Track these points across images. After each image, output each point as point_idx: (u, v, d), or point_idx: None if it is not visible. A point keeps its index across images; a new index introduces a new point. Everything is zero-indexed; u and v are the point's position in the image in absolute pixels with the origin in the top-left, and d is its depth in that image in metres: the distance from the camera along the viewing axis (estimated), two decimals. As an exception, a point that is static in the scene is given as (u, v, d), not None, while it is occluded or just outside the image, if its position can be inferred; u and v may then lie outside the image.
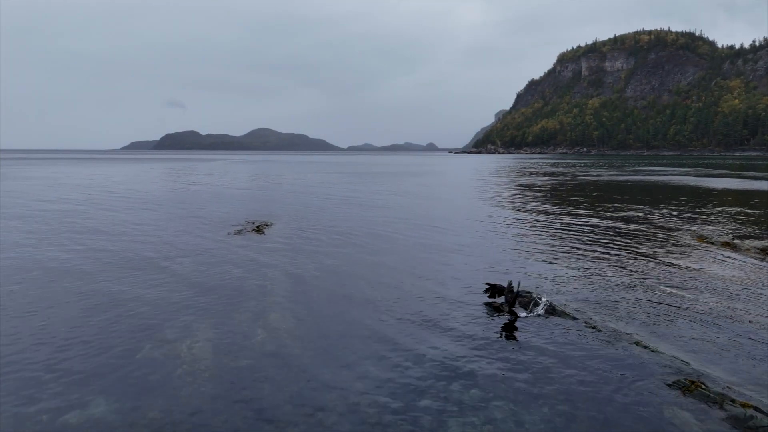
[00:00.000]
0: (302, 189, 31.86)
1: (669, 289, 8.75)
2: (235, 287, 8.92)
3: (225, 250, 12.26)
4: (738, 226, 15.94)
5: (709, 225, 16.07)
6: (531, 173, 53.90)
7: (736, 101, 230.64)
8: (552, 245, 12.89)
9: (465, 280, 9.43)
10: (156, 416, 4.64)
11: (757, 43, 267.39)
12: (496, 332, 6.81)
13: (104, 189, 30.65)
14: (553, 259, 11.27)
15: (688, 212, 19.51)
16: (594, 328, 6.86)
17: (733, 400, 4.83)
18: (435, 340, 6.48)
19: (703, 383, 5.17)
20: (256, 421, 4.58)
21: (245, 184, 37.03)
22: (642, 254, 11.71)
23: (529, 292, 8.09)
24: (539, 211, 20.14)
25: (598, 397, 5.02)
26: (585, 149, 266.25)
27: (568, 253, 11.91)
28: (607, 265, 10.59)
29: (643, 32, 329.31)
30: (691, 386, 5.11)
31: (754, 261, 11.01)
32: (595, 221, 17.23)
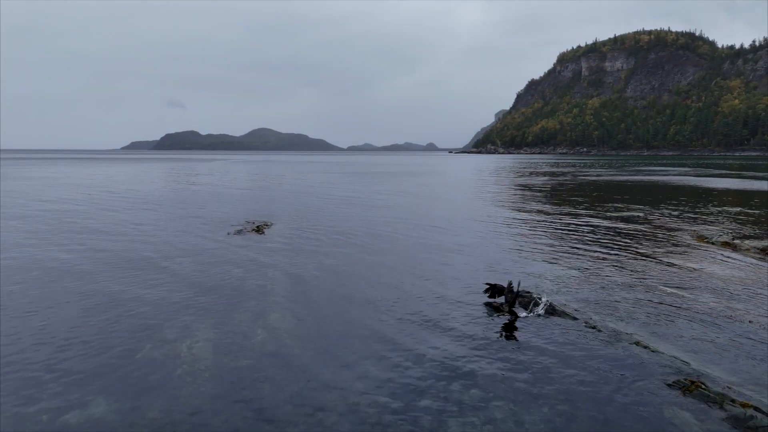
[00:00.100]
0: (302, 189, 31.87)
1: (669, 289, 8.75)
2: (235, 287, 8.93)
3: (225, 250, 12.26)
4: (738, 226, 15.95)
5: (709, 225, 16.07)
6: (531, 173, 53.91)
7: (736, 101, 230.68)
8: (552, 245, 12.89)
9: (465, 280, 9.44)
10: (156, 416, 4.64)
11: (757, 43, 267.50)
12: (496, 332, 6.82)
13: (104, 189, 30.65)
14: (553, 259, 11.27)
15: (688, 212, 19.51)
16: (594, 328, 6.86)
17: (733, 400, 4.83)
18: (435, 340, 6.48)
19: (703, 383, 5.17)
20: (256, 421, 4.58)
21: (245, 184, 37.04)
22: (642, 254, 11.71)
23: (529, 292, 8.09)
24: (539, 211, 20.14)
25: (598, 397, 5.02)
26: (585, 149, 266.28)
27: (568, 253, 11.91)
28: (607, 265, 10.60)
29: (643, 32, 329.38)
30: (691, 386, 5.11)
31: (754, 261, 11.01)
32: (595, 221, 17.23)
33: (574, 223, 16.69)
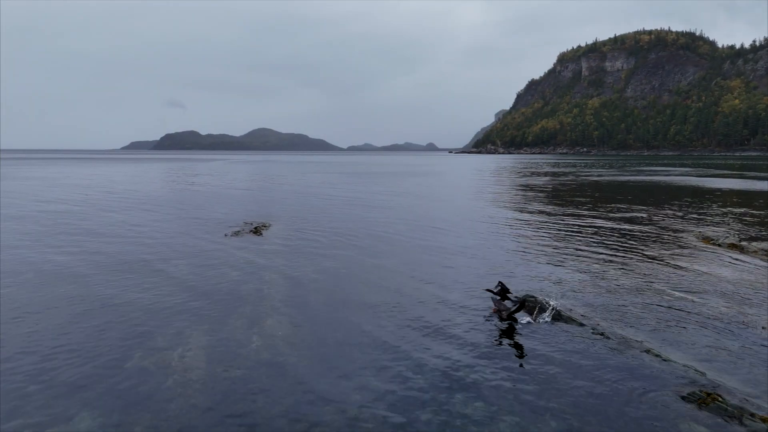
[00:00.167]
0: (301, 189, 31.61)
1: (677, 293, 8.50)
2: (231, 291, 8.68)
3: (222, 252, 12.01)
4: (743, 227, 15.69)
5: (714, 226, 15.81)
6: (532, 173, 53.65)
7: (737, 101, 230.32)
8: (555, 247, 12.64)
9: (467, 283, 9.18)
10: (143, 432, 4.39)
11: (757, 43, 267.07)
12: (501, 339, 6.56)
13: (103, 189, 30.41)
14: (557, 261, 11.01)
15: (692, 213, 19.25)
16: (602, 334, 6.61)
17: (752, 414, 4.59)
18: (437, 348, 6.23)
19: (719, 395, 4.92)
20: (249, 436, 4.33)
21: (244, 184, 36.78)
22: (648, 256, 11.45)
23: (534, 297, 7.84)
24: (541, 212, 19.89)
25: (608, 411, 4.77)
26: (585, 149, 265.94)
27: (572, 255, 11.66)
28: (612, 268, 10.34)
29: (644, 32, 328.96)
30: (707, 398, 4.86)
31: (762, 264, 10.75)
32: (599, 222, 16.97)
33: (577, 225, 16.44)
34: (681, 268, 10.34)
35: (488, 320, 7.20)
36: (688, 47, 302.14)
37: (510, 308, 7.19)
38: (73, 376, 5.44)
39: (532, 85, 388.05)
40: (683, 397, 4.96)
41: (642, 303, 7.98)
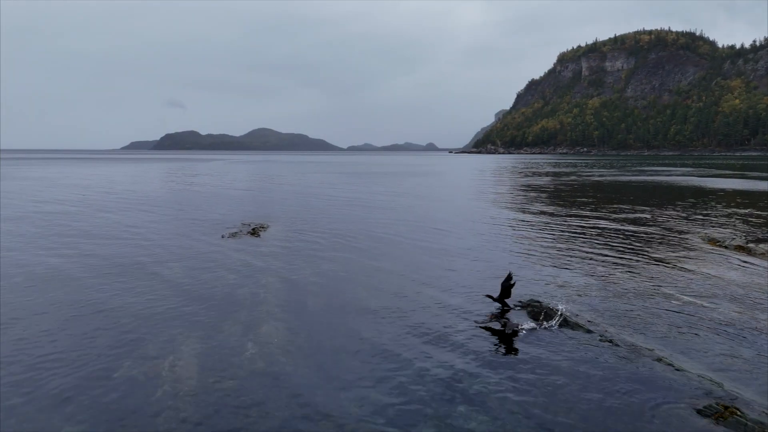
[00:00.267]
0: (301, 189, 31.35)
1: (686, 298, 8.25)
2: (226, 295, 8.42)
3: (218, 253, 11.76)
4: (749, 228, 15.44)
5: (719, 227, 15.55)
6: (533, 173, 53.38)
7: (737, 101, 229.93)
8: (559, 249, 12.38)
9: (470, 287, 8.93)
10: (128, 449, 4.14)
11: (757, 43, 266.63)
12: (505, 347, 6.31)
13: (101, 190, 30.16)
14: (562, 264, 10.76)
15: (696, 214, 18.99)
16: (611, 342, 6.35)
17: (774, 430, 4.33)
18: (439, 356, 5.97)
19: (737, 409, 4.67)
20: (241, 454, 4.08)
21: (243, 184, 36.52)
22: (654, 259, 11.19)
23: (539, 302, 7.59)
24: (544, 213, 19.63)
25: (620, 426, 4.52)
26: (585, 149, 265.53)
27: (577, 257, 11.40)
28: (618, 271, 10.08)
29: (644, 32, 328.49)
30: (724, 412, 4.61)
31: (771, 266, 10.49)
32: (602, 223, 16.71)
33: (580, 226, 16.18)
34: (688, 270, 10.08)
35: (488, 326, 6.94)
36: (688, 47, 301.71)
37: (513, 322, 6.92)
38: (58, 387, 5.19)
39: (532, 85, 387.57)
40: (699, 411, 4.71)
41: (650, 308, 7.72)
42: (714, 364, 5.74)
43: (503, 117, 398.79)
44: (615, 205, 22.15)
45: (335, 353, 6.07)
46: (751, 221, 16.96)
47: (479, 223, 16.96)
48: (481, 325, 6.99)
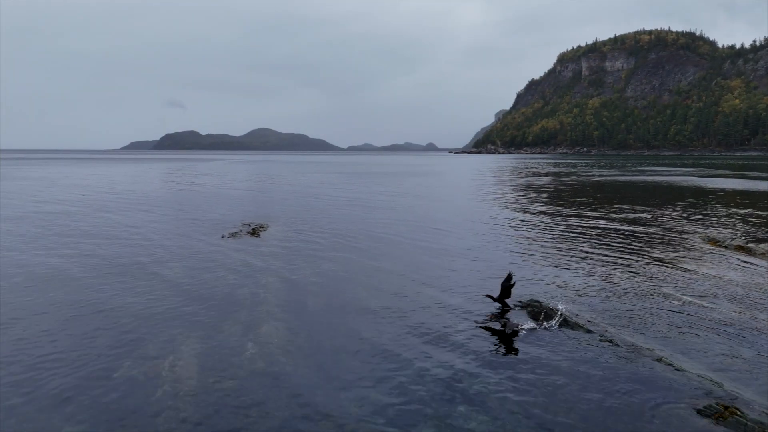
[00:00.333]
0: (301, 189, 31.36)
1: (686, 298, 8.25)
2: (226, 295, 8.42)
3: (218, 254, 11.76)
4: (749, 228, 15.44)
5: (719, 227, 15.56)
6: (533, 173, 53.39)
7: (737, 101, 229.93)
8: (559, 249, 12.38)
9: (470, 287, 8.93)
10: (128, 449, 4.14)
11: (757, 43, 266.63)
12: (505, 347, 6.31)
13: (101, 190, 30.16)
14: (562, 264, 10.76)
15: (697, 214, 18.99)
16: (611, 342, 6.35)
17: (774, 430, 4.33)
18: (439, 356, 5.97)
19: (737, 409, 4.67)
20: (241, 454, 4.08)
21: (243, 184, 36.53)
22: (654, 259, 11.20)
23: (539, 302, 7.59)
24: (543, 213, 19.63)
25: (620, 426, 4.51)
26: (585, 149, 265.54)
27: (577, 257, 11.41)
28: (618, 271, 10.08)
29: (644, 32, 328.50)
30: (724, 412, 4.61)
31: (771, 266, 10.49)
32: (603, 223, 16.72)
33: (580, 226, 16.18)
34: (688, 270, 10.08)
35: (489, 326, 6.95)
36: (688, 47, 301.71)
37: (513, 322, 6.91)
38: (58, 387, 5.19)
39: (532, 85, 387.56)
40: (699, 411, 4.71)
41: (650, 308, 7.72)
42: (714, 364, 5.74)
43: (503, 117, 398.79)
44: (615, 205, 22.15)
45: (335, 353, 6.07)
46: (751, 221, 16.96)
47: (479, 223, 16.96)
48: (481, 325, 6.99)
